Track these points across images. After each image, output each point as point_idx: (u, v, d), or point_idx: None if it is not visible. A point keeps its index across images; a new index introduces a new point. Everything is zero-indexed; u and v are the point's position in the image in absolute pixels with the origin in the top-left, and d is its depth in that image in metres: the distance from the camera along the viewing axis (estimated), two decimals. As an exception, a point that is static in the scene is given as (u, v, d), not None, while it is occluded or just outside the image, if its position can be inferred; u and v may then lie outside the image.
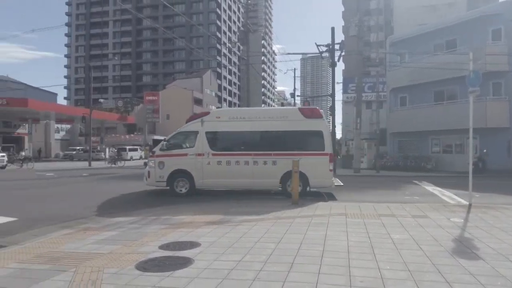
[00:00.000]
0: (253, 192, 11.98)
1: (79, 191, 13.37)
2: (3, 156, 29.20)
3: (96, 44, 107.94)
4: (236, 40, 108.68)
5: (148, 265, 4.58)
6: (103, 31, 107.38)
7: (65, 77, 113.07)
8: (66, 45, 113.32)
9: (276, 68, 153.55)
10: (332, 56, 24.58)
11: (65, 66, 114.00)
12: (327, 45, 24.70)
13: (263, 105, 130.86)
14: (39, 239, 6.06)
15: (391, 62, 29.58)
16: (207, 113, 12.23)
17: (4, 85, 62.18)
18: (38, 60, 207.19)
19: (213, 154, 11.61)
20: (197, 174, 11.67)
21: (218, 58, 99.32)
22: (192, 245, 5.53)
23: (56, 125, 51.73)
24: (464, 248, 5.42)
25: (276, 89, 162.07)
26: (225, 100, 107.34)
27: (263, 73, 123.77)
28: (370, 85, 35.18)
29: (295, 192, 9.72)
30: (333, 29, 25.07)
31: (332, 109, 27.81)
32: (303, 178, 11.17)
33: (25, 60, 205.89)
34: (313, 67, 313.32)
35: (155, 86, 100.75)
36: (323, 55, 26.03)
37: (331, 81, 26.37)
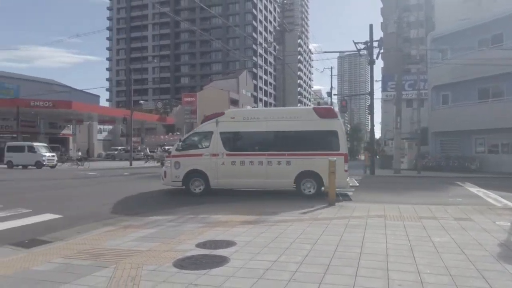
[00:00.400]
0: (286, 193, 11.92)
1: (121, 189, 13.81)
2: (53, 156, 30.86)
3: (136, 47, 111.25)
4: (272, 40, 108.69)
5: (185, 263, 4.67)
6: (142, 35, 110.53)
7: (107, 79, 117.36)
8: (107, 49, 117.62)
9: (312, 67, 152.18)
10: (370, 53, 24.07)
11: (107, 69, 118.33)
12: (365, 43, 24.22)
13: (299, 104, 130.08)
14: (82, 235, 6.32)
15: (432, 59, 28.58)
16: (221, 114, 12.32)
17: (50, 88, 65.25)
18: (81, 64, 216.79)
19: (228, 154, 11.70)
20: (211, 174, 11.80)
21: (254, 58, 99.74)
22: (228, 244, 5.58)
23: (98, 126, 53.81)
24: (511, 253, 5.15)
25: (312, 88, 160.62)
26: (260, 100, 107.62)
27: (299, 72, 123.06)
28: (411, 83, 34.13)
29: (332, 193, 9.59)
30: (371, 26, 24.56)
31: (371, 107, 27.21)
32: (317, 178, 11.15)
33: (70, 64, 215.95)
34: (351, 65, 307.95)
35: (193, 87, 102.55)
36: (361, 53, 25.52)
37: (369, 79, 25.79)
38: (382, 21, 52.41)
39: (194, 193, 11.88)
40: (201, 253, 5.09)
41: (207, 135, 12.00)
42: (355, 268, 4.44)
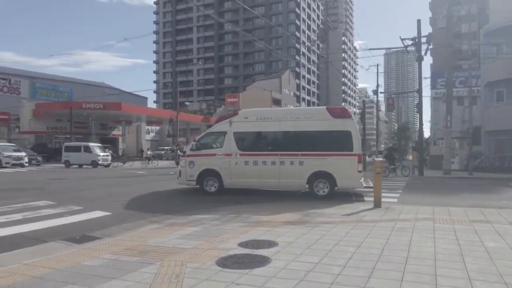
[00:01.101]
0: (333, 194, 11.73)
1: (166, 188, 14.19)
2: (108, 155, 32.39)
3: (182, 50, 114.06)
4: (316, 38, 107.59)
5: (228, 262, 4.71)
6: (188, 37, 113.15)
7: (154, 82, 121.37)
8: (154, 52, 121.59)
9: (357, 64, 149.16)
10: (418, 50, 23.20)
11: (154, 72, 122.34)
12: (413, 39, 23.37)
13: (343, 103, 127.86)
14: (129, 232, 6.55)
15: (485, 54, 27.09)
16: (235, 114, 12.44)
17: (101, 91, 68.40)
18: (130, 67, 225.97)
19: (241, 154, 11.76)
20: (225, 174, 11.86)
21: (297, 57, 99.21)
22: (270, 244, 5.57)
23: (146, 127, 55.67)
24: None
25: (357, 87, 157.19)
26: (303, 99, 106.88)
27: (343, 71, 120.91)
28: (462, 80, 32.52)
29: (378, 195, 9.33)
30: (419, 21, 23.65)
31: (419, 106, 26.20)
32: (330, 179, 11.05)
33: (119, 67, 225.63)
34: (398, 62, 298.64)
35: (236, 88, 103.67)
36: (408, 49, 24.66)
37: (417, 77, 24.88)
38: (430, 16, 50.36)
39: (208, 192, 12.04)
40: (243, 253, 5.12)
41: (221, 135, 12.13)
42: (401, 272, 4.29)
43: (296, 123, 11.57)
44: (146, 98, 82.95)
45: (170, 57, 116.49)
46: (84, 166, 30.90)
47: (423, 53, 23.18)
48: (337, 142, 11.17)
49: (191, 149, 12.42)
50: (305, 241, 5.74)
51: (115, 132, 51.90)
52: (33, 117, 43.78)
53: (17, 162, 29.10)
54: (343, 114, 11.40)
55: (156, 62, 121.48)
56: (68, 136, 40.65)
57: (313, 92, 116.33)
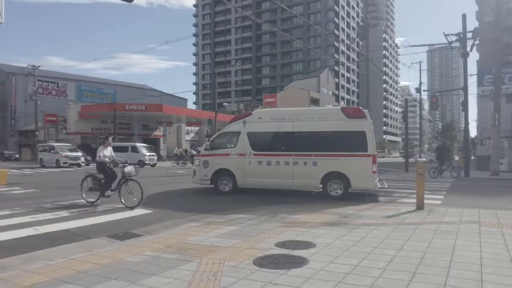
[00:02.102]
0: (373, 195, 11.48)
1: (203, 188, 14.40)
2: (154, 155, 33.30)
3: (220, 52, 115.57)
4: (355, 36, 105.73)
5: (265, 261, 4.72)
6: (226, 39, 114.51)
7: (193, 83, 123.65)
8: (194, 54, 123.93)
9: (399, 62, 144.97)
10: (463, 45, 22.22)
11: (194, 74, 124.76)
12: (458, 34, 22.42)
13: (384, 102, 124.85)
14: (169, 230, 6.71)
15: (539, 47, 25.52)
16: (249, 114, 12.49)
17: (143, 93, 70.57)
18: (171, 69, 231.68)
19: (254, 154, 11.84)
20: (238, 173, 11.91)
21: (336, 56, 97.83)
22: (307, 245, 5.53)
23: (186, 128, 56.84)
24: None
25: (399, 85, 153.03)
26: (342, 98, 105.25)
27: (384, 68, 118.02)
28: (511, 76, 30.83)
29: (420, 197, 9.03)
30: (464, 16, 22.65)
31: (465, 104, 25.10)
32: (344, 179, 10.97)
33: (160, 70, 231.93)
34: (442, 59, 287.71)
35: (273, 88, 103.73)
36: (452, 45, 23.68)
37: (462, 73, 23.84)
38: (477, 10, 48.07)
39: (222, 192, 12.12)
40: (281, 253, 5.10)
41: (235, 135, 12.22)
42: (444, 277, 4.13)
43: (310, 123, 11.58)
44: (186, 100, 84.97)
45: (209, 59, 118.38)
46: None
47: (468, 49, 22.20)
48: (352, 142, 11.09)
49: (205, 149, 12.60)
50: (343, 243, 5.65)
51: (156, 133, 53.38)
52: (79, 119, 45.84)
53: (75, 162, 30.11)
54: (358, 114, 11.31)
55: (195, 64, 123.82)
56: (112, 137, 42.22)
57: (353, 91, 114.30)
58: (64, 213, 8.58)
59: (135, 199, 9.27)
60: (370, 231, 6.48)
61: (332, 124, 11.33)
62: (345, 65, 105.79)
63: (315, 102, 79.00)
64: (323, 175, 11.14)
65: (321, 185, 11.30)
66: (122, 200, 9.42)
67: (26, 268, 4.51)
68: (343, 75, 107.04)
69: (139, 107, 42.34)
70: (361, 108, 11.79)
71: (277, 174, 11.58)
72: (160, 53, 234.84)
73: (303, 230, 6.55)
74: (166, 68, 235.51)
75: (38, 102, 46.67)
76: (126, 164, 9.77)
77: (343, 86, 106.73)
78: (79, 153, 31.55)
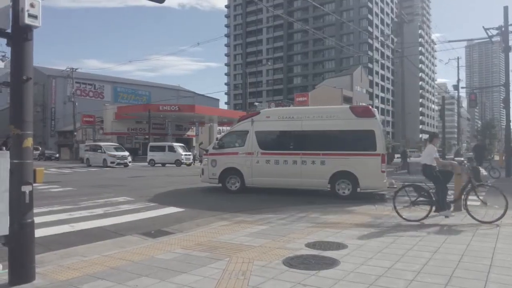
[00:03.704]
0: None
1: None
2: (190, 154, 33.67)
3: (252, 52, 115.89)
4: (389, 32, 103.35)
5: (294, 262, 4.67)
6: (257, 39, 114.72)
7: (225, 84, 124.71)
8: (225, 55, 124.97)
9: (435, 58, 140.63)
10: (505, 39, 21.22)
11: (225, 74, 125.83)
12: (499, 28, 21.44)
13: (420, 100, 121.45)
14: (200, 228, 6.78)
15: None
16: (257, 113, 12.62)
17: (176, 94, 71.85)
18: (203, 70, 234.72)
19: (262, 153, 11.93)
20: (246, 172, 11.99)
21: (370, 53, 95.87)
22: (339, 246, 5.43)
23: (218, 127, 57.43)
24: None
25: (436, 82, 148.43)
26: (377, 96, 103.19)
27: (420, 65, 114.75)
28: (559, 71, 29.15)
29: (458, 198, 8.68)
30: (506, 8, 21.62)
31: (506, 101, 23.97)
32: (353, 179, 10.97)
33: (193, 71, 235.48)
34: (481, 55, 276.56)
35: (305, 87, 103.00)
36: (493, 39, 22.69)
37: (504, 69, 22.79)
38: (521, 1, 45.86)
39: (230, 191, 12.19)
40: (311, 253, 5.04)
41: (243, 134, 12.29)
42: (483, 281, 3.94)
43: (318, 122, 11.62)
44: (218, 100, 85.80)
45: (240, 59, 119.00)
46: (167, 165, 32.27)
47: (510, 43, 21.19)
48: (360, 141, 11.14)
49: (214, 148, 12.73)
50: (376, 244, 5.51)
51: (189, 133, 54.20)
52: (115, 119, 47.18)
53: (122, 161, 30.16)
54: (367, 113, 11.29)
55: (227, 64, 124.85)
56: (147, 137, 43.21)
57: (387, 89, 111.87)
58: (99, 211, 8.84)
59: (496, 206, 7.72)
60: (405, 233, 6.30)
61: (341, 123, 11.38)
62: (379, 62, 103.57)
63: (348, 100, 77.76)
64: (331, 175, 11.16)
65: (329, 185, 11.31)
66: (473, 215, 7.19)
67: (62, 263, 4.67)
68: (377, 73, 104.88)
69: (173, 108, 43.06)
70: (369, 107, 11.80)
71: (285, 173, 11.64)
72: (192, 55, 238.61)
73: (334, 231, 6.45)
74: (198, 69, 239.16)
75: (76, 104, 48.54)
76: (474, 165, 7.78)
77: (377, 84, 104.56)
78: (126, 153, 31.66)
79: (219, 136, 13.65)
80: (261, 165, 11.99)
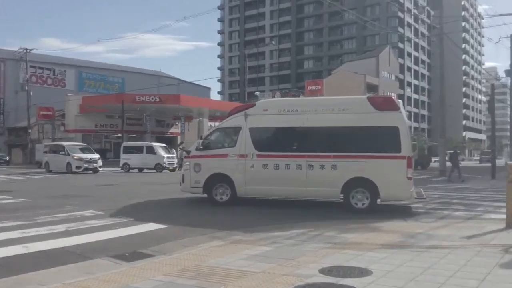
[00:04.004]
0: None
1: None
2: (174, 157, 33.19)
3: (252, 28, 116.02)
4: (425, 4, 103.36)
5: (306, 292, 4.68)
6: (259, 12, 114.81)
7: (218, 68, 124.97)
8: (219, 32, 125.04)
9: (483, 37, 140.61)
10: None
11: (218, 56, 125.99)
12: None
13: (464, 89, 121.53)
14: (187, 250, 6.78)
15: None
16: (252, 105, 12.62)
17: (157, 81, 71.95)
18: (191, 52, 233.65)
19: (259, 156, 11.91)
20: (238, 180, 11.99)
21: (400, 30, 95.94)
22: (361, 272, 5.44)
23: (209, 123, 57.53)
24: None
25: (483, 66, 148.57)
26: (409, 84, 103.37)
27: (464, 45, 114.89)
28: None
29: (510, 212, 8.69)
30: None
31: None
32: (371, 188, 11.02)
33: (178, 53, 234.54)
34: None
35: (319, 72, 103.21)
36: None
37: None
38: None
39: (218, 202, 12.21)
40: (326, 281, 5.04)
41: (234, 132, 12.33)
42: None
43: (329, 117, 11.66)
44: (209, 89, 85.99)
45: (237, 37, 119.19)
46: (145, 170, 32.29)
47: None
48: (381, 140, 11.25)
49: (197, 148, 12.65)
50: (408, 271, 5.52)
51: (173, 130, 54.30)
52: (80, 113, 47.26)
53: (90, 166, 29.99)
54: (389, 105, 11.38)
55: (220, 44, 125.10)
56: (120, 135, 43.32)
57: (423, 75, 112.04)
58: (60, 228, 8.85)
59: None
60: (445, 256, 6.31)
61: (357, 118, 11.41)
62: (412, 41, 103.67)
63: (372, 89, 77.93)
64: (345, 182, 11.18)
65: (342, 195, 11.35)
66: None
67: (13, 293, 4.67)
68: (409, 55, 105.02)
69: (153, 99, 43.17)
70: (392, 97, 12.00)
71: (287, 180, 11.65)
72: (177, 32, 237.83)
73: (356, 253, 6.46)
74: (185, 50, 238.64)
75: (31, 93, 48.61)
76: None
77: (409, 69, 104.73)
78: (96, 155, 31.56)
79: (204, 134, 13.58)
80: (256, 170, 11.98)
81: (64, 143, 33.32)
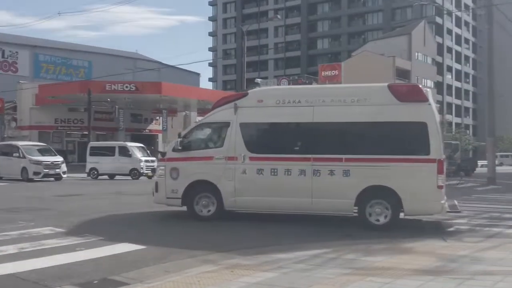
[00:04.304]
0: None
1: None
2: (154, 160, 31.50)
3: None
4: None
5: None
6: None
7: (209, 49, 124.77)
8: (210, 3, 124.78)
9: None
10: None
11: (210, 34, 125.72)
12: None
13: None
14: (170, 277, 6.78)
15: None
16: (243, 95, 12.60)
17: (133, 65, 71.99)
18: (175, 28, 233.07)
19: (252, 158, 11.86)
20: (226, 189, 11.95)
21: (438, 0, 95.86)
22: (390, 304, 5.46)
23: (198, 118, 57.56)
24: None
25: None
26: (449, 69, 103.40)
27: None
28: None
29: None
30: None
31: None
32: (393, 199, 11.04)
33: (158, 29, 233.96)
34: None
35: (336, 54, 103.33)
36: None
37: None
38: None
39: (200, 217, 12.20)
40: (346, 316, 5.06)
41: (221, 128, 12.36)
42: None
43: (340, 110, 11.63)
44: (198, 75, 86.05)
45: (233, 10, 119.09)
46: (117, 176, 32.33)
47: None
48: (405, 140, 11.42)
49: (175, 149, 12.61)
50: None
51: (153, 127, 54.24)
52: (36, 105, 47.21)
53: (52, 171, 29.75)
54: (415, 95, 11.37)
55: (212, 19, 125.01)
56: (86, 132, 43.29)
57: (467, 57, 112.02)
58: (10, 249, 8.82)
59: None
60: (494, 284, 6.32)
61: (375, 111, 11.39)
62: (454, 15, 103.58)
63: (403, 74, 77.95)
64: (360, 192, 11.18)
65: (356, 207, 11.35)
66: None
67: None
68: (449, 32, 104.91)
69: (127, 87, 43.07)
70: (420, 86, 11.92)
71: (287, 189, 11.65)
72: (157, 4, 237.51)
73: (383, 280, 6.47)
74: (167, 26, 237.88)
75: (-25, 81, 48.53)
76: None
77: (449, 50, 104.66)
78: (59, 158, 31.33)
79: (183, 131, 13.47)
80: (249, 176, 11.95)
81: (19, 143, 32.99)
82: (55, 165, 30.14)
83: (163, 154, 13.12)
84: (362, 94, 11.95)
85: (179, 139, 12.73)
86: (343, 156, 11.39)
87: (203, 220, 12.19)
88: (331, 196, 11.42)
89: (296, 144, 11.97)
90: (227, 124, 12.24)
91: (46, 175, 29.54)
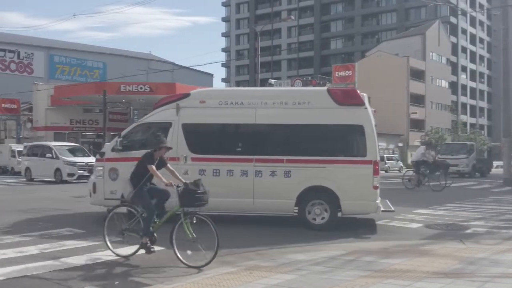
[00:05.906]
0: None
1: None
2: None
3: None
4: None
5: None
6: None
7: (223, 50, 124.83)
8: (223, 4, 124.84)
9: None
10: None
11: (223, 35, 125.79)
12: None
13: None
14: (191, 278, 6.86)
15: None
16: (185, 95, 12.56)
17: (146, 66, 72.15)
18: (188, 29, 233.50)
19: (194, 159, 11.95)
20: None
21: (453, 0, 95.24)
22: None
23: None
24: None
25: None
26: (464, 69, 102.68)
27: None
28: None
29: None
30: None
31: None
32: (331, 198, 11.31)
33: (172, 31, 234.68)
34: None
35: (349, 54, 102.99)
36: None
37: None
38: None
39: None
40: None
41: (163, 128, 12.16)
42: None
43: (281, 112, 11.90)
44: (211, 76, 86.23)
45: (246, 10, 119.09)
46: None
47: None
48: (343, 142, 11.83)
49: (114, 149, 12.53)
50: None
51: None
52: (51, 106, 47.40)
53: (87, 174, 27.20)
54: (352, 98, 11.65)
55: (225, 19, 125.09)
56: (101, 133, 43.40)
57: (482, 57, 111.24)
58: (32, 250, 8.96)
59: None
60: (514, 286, 6.31)
61: (315, 114, 11.66)
62: (468, 15, 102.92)
63: (417, 75, 77.65)
64: (300, 192, 11.39)
65: (296, 208, 11.51)
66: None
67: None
68: (464, 32, 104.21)
69: (141, 88, 43.17)
70: (356, 90, 12.19)
71: (229, 190, 11.69)
72: (170, 5, 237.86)
73: (402, 283, 6.48)
74: (180, 27, 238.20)
75: (-9, 82, 48.90)
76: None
77: (464, 50, 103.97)
78: (92, 159, 30.00)
79: (124, 131, 13.30)
80: (191, 177, 11.91)
81: (51, 143, 32.08)
82: (89, 166, 27.38)
83: (102, 154, 12.94)
84: (303, 97, 12.22)
85: (119, 139, 12.62)
86: (285, 157, 11.59)
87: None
88: (272, 196, 11.59)
89: (238, 145, 12.14)
90: (168, 125, 12.27)
91: (80, 177, 27.91)
